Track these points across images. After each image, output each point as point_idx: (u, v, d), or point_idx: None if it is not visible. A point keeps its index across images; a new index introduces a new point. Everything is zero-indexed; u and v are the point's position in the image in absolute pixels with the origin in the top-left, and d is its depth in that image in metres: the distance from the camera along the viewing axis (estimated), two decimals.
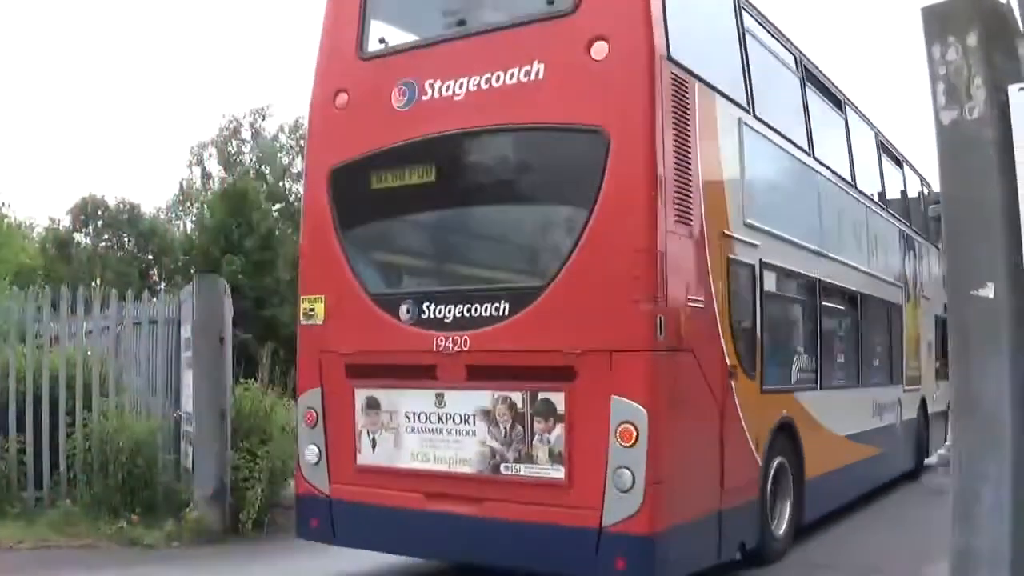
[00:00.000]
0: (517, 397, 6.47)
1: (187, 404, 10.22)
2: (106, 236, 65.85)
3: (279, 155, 77.72)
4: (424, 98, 7.02)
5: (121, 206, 65.21)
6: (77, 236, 64.42)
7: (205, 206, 69.59)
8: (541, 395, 6.39)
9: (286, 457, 10.15)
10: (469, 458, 6.66)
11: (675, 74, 6.58)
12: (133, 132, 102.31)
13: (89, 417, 10.10)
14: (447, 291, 7.04)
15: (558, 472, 6.32)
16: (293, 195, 78.24)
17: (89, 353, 10.57)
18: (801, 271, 9.09)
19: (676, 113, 6.54)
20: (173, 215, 75.66)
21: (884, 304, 11.98)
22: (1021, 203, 3.93)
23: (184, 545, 9.07)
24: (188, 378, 10.18)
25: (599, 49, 6.37)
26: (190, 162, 77.08)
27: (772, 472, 8.01)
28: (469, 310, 6.72)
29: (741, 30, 8.11)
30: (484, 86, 6.79)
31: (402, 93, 7.12)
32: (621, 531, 6.03)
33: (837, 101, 10.84)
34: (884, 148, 12.69)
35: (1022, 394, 3.92)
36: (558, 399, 6.33)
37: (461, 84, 6.87)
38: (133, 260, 65.28)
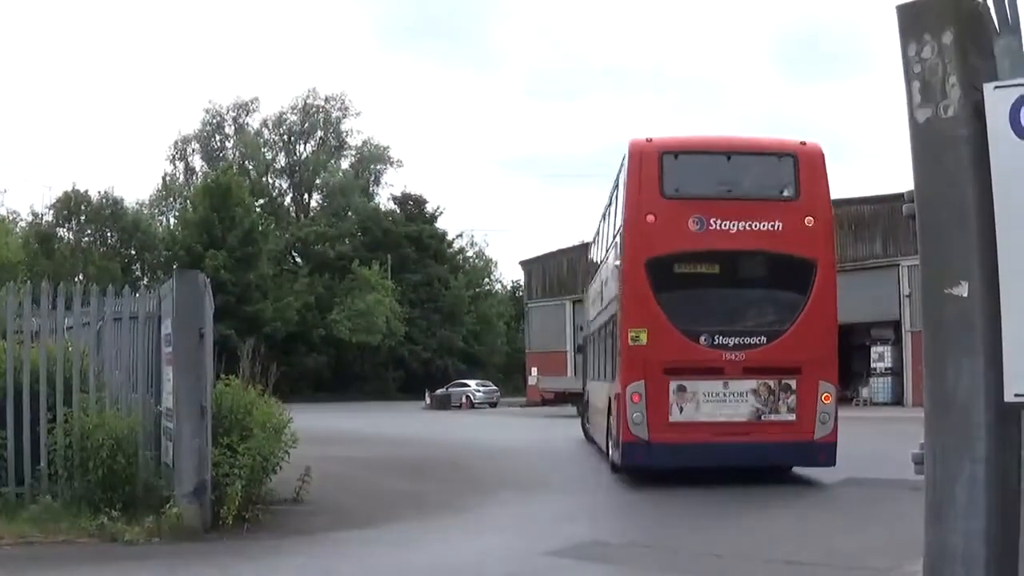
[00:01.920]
0: (771, 382, 12.87)
1: (168, 400, 10.18)
2: (89, 231, 65.44)
3: (262, 150, 77.28)
4: (710, 228, 13.10)
5: (104, 200, 64.79)
6: (60, 231, 64.01)
7: (188, 201, 69.14)
8: (783, 380, 12.87)
9: (267, 454, 10.12)
10: (743, 413, 12.86)
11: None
12: (115, 126, 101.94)
13: (70, 413, 10.07)
14: (730, 330, 13.10)
15: (792, 416, 12.84)
16: (276, 190, 77.94)
17: (70, 348, 10.53)
18: None
19: None
20: (156, 210, 75.18)
21: None
22: (995, 202, 3.93)
23: (164, 541, 9.01)
24: (169, 374, 10.13)
25: (809, 220, 13.13)
26: (172, 156, 76.80)
27: None
28: (744, 340, 13.00)
29: None
30: (747, 228, 13.13)
31: (695, 222, 13.09)
32: (823, 441, 12.81)
33: None
34: None
35: (995, 392, 3.92)
36: (792, 382, 12.86)
37: (734, 224, 13.12)
38: (116, 255, 64.93)
